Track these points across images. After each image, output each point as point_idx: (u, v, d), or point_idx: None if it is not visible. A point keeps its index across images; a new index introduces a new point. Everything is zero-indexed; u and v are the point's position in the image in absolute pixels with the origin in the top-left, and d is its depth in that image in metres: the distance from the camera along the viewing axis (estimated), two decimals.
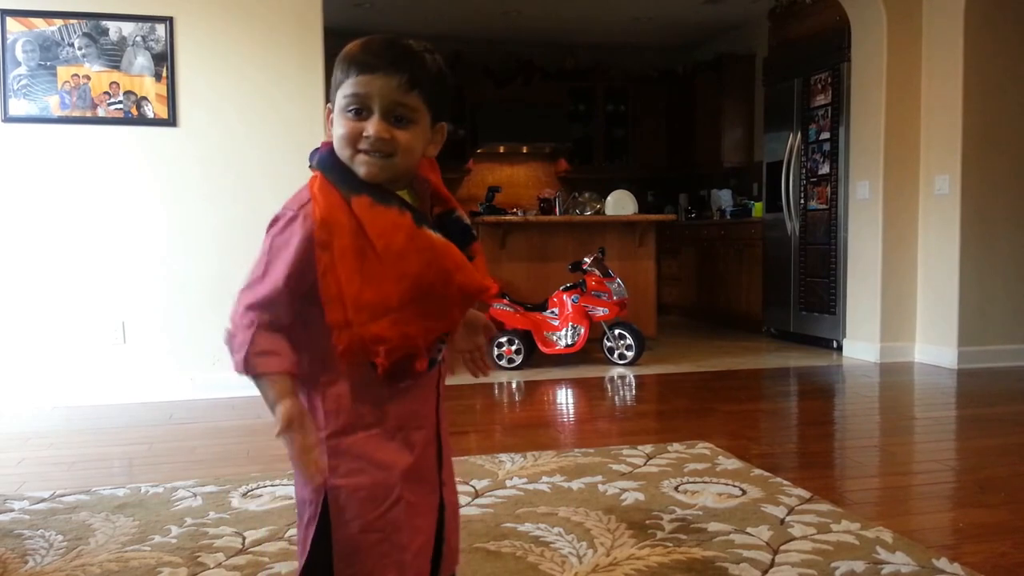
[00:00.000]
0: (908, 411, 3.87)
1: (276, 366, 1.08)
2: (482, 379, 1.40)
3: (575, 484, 2.57)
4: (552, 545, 2.07)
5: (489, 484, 2.58)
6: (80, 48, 3.99)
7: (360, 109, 1.10)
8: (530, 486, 2.56)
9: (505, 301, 4.94)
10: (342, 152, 1.12)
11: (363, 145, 1.10)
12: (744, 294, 6.68)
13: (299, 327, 1.11)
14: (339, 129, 1.11)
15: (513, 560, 1.97)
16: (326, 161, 1.13)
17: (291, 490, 2.23)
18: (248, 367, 1.08)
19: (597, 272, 4.95)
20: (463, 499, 2.40)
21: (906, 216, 5.04)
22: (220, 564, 1.98)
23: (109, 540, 2.16)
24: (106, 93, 4.03)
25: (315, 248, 1.07)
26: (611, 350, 5.00)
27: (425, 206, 1.19)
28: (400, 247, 1.08)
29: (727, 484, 2.55)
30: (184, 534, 2.19)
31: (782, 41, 6.15)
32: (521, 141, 8.08)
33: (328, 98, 1.16)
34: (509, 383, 4.51)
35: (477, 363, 1.35)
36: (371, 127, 1.09)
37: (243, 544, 2.11)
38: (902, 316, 5.06)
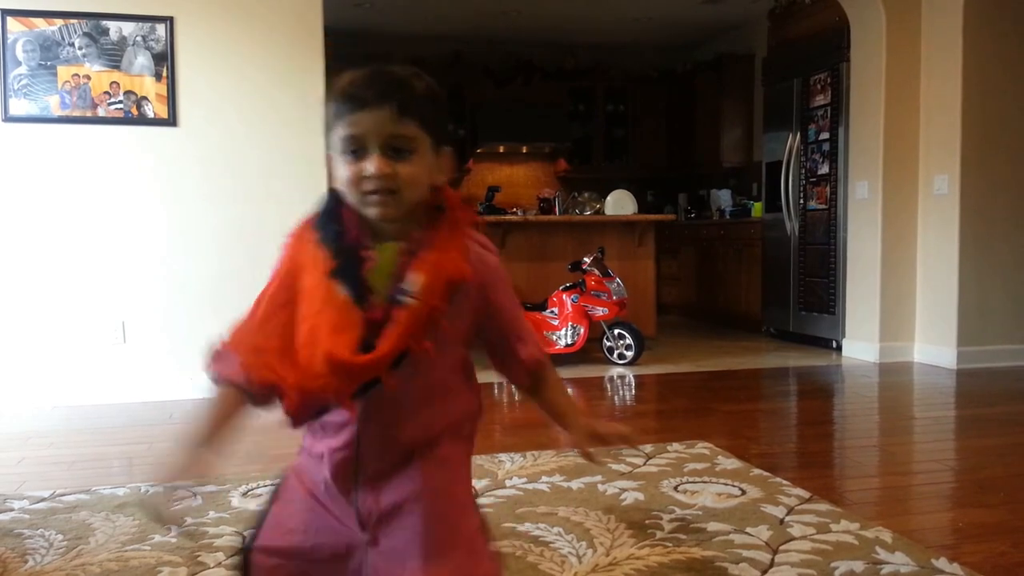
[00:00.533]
0: (907, 411, 3.88)
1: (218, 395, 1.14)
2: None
3: (575, 484, 2.57)
4: (552, 545, 2.07)
5: (489, 484, 2.58)
6: (80, 48, 4.00)
7: (357, 149, 1.07)
8: (530, 486, 2.56)
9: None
10: (350, 196, 1.09)
11: (367, 186, 1.06)
12: (743, 294, 6.68)
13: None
14: (342, 173, 1.08)
15: (513, 560, 1.97)
16: (321, 202, 1.13)
17: None
18: (215, 371, 1.15)
19: (597, 272, 4.95)
20: None
21: (905, 216, 5.04)
22: (220, 564, 1.99)
23: (109, 539, 2.16)
24: (106, 93, 4.03)
25: (293, 287, 1.11)
26: (611, 350, 5.01)
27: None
28: (307, 288, 1.07)
29: (726, 484, 2.55)
30: (184, 534, 2.19)
31: (781, 41, 6.16)
32: (521, 141, 8.08)
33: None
34: (508, 383, 4.50)
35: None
36: (370, 165, 1.05)
37: (243, 544, 2.11)
38: (901, 316, 5.06)
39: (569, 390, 4.28)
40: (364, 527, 1.12)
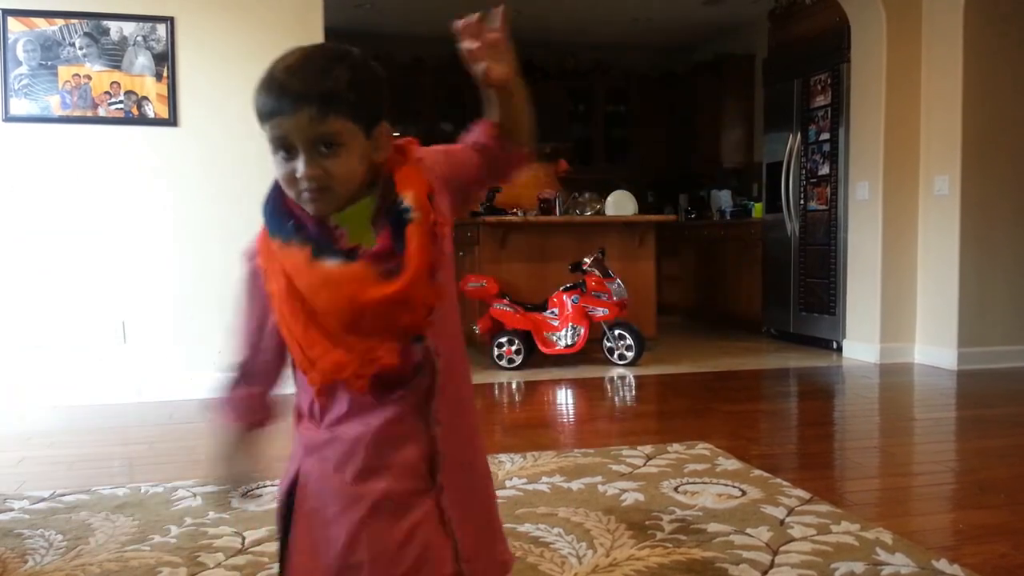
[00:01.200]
0: (908, 412, 3.87)
1: (232, 422, 1.22)
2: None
3: (575, 484, 2.57)
4: (552, 545, 2.07)
5: None
6: (81, 48, 4.00)
7: (286, 149, 1.06)
8: (530, 486, 2.56)
9: (505, 301, 4.94)
10: (289, 193, 1.08)
11: (300, 187, 1.05)
12: (744, 295, 6.68)
13: None
14: (277, 170, 1.08)
15: None
16: (265, 200, 1.12)
17: None
18: (220, 402, 1.22)
19: (597, 272, 4.95)
20: None
21: (906, 217, 5.04)
22: (220, 564, 1.99)
23: (109, 540, 2.16)
24: (107, 93, 4.03)
25: (265, 299, 1.10)
26: (611, 350, 5.00)
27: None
28: (305, 286, 1.06)
29: (727, 485, 2.55)
30: (184, 534, 2.19)
31: (782, 42, 6.15)
32: None
33: None
34: (509, 383, 4.51)
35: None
36: (300, 167, 1.04)
37: (243, 544, 2.11)
38: (902, 317, 5.06)
39: (569, 390, 4.28)
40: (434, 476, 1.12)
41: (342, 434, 1.10)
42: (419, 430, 1.11)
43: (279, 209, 1.11)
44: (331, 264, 1.05)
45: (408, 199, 1.07)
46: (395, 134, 1.15)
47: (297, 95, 1.03)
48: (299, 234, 1.08)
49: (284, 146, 1.05)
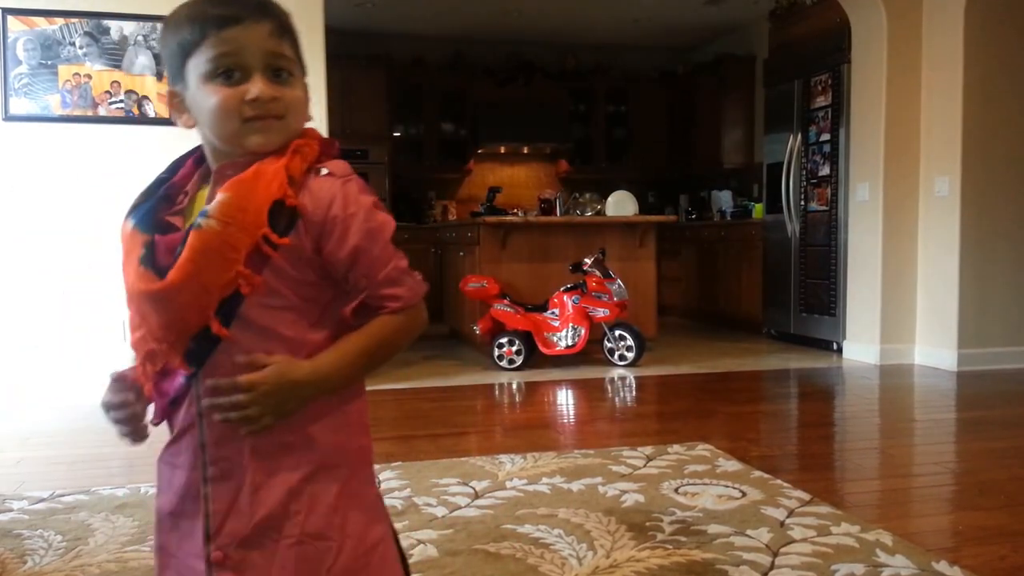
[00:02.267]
0: (908, 413, 3.87)
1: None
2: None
3: (575, 485, 2.57)
4: (552, 547, 2.06)
5: (489, 485, 2.58)
6: (81, 47, 3.99)
7: (232, 70, 0.92)
8: (530, 487, 2.56)
9: (506, 302, 4.94)
10: (224, 127, 0.94)
11: (249, 112, 0.92)
12: (744, 295, 6.68)
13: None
14: (211, 99, 0.92)
15: (513, 562, 1.97)
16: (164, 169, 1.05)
17: None
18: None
19: (597, 273, 4.95)
20: (462, 500, 2.40)
21: (906, 218, 5.04)
22: None
23: (108, 540, 2.16)
24: (107, 92, 4.03)
25: None
26: (611, 351, 5.00)
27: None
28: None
29: (727, 486, 2.55)
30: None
31: (782, 42, 6.15)
32: (522, 141, 8.08)
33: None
34: (509, 384, 4.50)
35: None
36: (255, 88, 0.91)
37: None
38: (902, 318, 5.06)
39: (569, 391, 4.28)
40: (211, 563, 0.94)
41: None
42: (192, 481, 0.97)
43: (158, 183, 1.03)
44: (140, 236, 0.99)
45: (216, 202, 0.91)
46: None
47: (259, 4, 0.93)
48: (149, 198, 1.02)
49: (230, 66, 0.92)
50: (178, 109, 1.00)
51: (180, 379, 0.96)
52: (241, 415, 0.91)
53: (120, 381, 1.07)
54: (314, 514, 0.95)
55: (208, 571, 0.95)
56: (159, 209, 0.99)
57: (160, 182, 1.03)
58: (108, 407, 1.05)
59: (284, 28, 0.95)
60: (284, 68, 0.95)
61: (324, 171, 0.95)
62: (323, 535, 0.95)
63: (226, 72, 0.93)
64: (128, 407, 1.03)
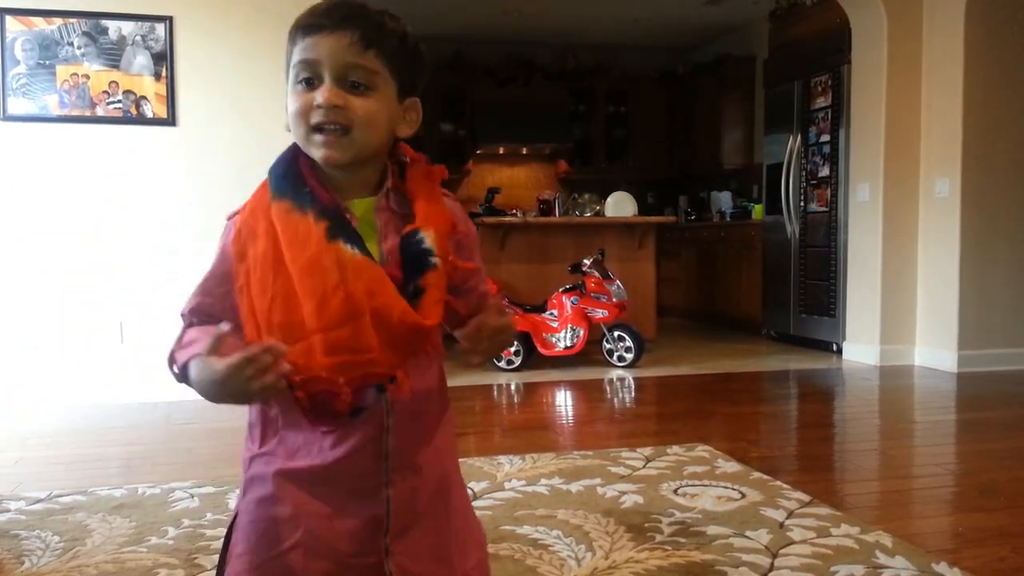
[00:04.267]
0: (908, 414, 3.87)
1: (199, 349, 0.94)
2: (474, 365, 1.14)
3: (574, 486, 2.56)
4: (551, 548, 2.06)
5: (488, 486, 2.57)
6: (79, 47, 3.99)
7: (311, 78, 0.95)
8: (529, 488, 2.55)
9: (505, 302, 4.93)
10: (296, 132, 0.97)
11: (315, 119, 0.94)
12: (744, 296, 6.67)
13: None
14: (291, 105, 0.97)
15: (511, 563, 1.96)
16: (277, 160, 1.02)
17: None
18: (172, 361, 0.97)
19: (596, 274, 4.95)
20: None
21: (906, 219, 5.03)
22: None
23: (106, 541, 2.15)
24: (105, 92, 4.02)
25: (233, 262, 0.97)
26: (610, 352, 5.00)
27: (394, 220, 1.01)
28: (305, 262, 0.93)
29: (726, 487, 2.54)
30: (181, 535, 2.18)
31: (782, 43, 6.15)
32: (521, 142, 8.08)
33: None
34: (508, 385, 4.50)
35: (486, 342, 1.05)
36: (320, 95, 0.94)
37: None
38: (902, 319, 5.05)
39: (568, 392, 4.28)
40: (386, 532, 1.00)
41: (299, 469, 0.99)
42: (369, 482, 1.00)
43: (293, 170, 0.99)
44: (351, 251, 0.93)
45: (428, 239, 0.97)
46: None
47: (345, 17, 0.95)
48: (315, 205, 0.96)
49: (308, 74, 0.95)
50: (286, 111, 1.01)
51: (371, 393, 0.97)
52: (491, 351, 1.06)
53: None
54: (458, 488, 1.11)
55: (384, 558, 1.00)
56: (351, 235, 0.96)
57: (307, 192, 0.98)
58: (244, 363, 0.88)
59: (371, 40, 0.95)
60: (362, 81, 0.95)
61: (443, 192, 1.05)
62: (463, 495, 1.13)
63: (306, 80, 0.96)
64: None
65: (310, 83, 0.95)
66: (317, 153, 0.96)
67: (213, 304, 1.00)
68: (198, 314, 1.02)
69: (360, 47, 0.94)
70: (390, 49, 0.97)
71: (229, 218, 1.02)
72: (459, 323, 1.03)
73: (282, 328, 0.93)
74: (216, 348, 0.89)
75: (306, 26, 0.95)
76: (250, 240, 0.96)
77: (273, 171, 1.01)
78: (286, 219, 0.95)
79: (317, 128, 0.95)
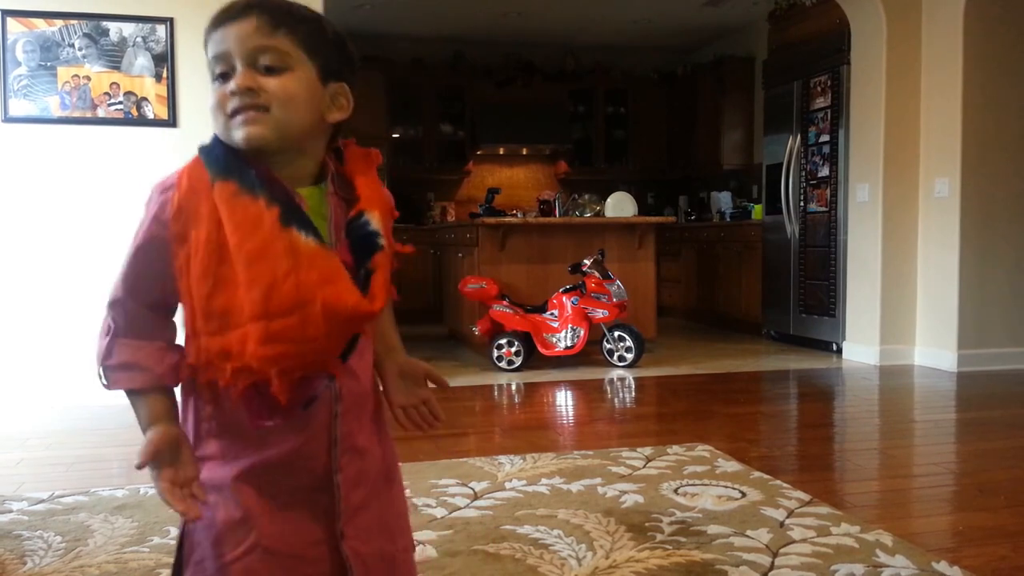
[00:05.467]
0: (908, 414, 3.87)
1: (137, 383, 0.96)
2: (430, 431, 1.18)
3: (574, 486, 2.57)
4: (551, 547, 2.06)
5: (488, 486, 2.58)
6: (80, 49, 3.99)
7: (225, 72, 0.94)
8: (529, 488, 2.55)
9: (505, 303, 4.94)
10: (217, 125, 0.95)
11: (231, 105, 0.93)
12: (744, 296, 6.68)
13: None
14: (211, 102, 0.96)
15: (512, 562, 1.97)
16: (207, 143, 0.98)
17: None
18: (106, 380, 0.98)
19: (597, 274, 4.95)
20: (461, 501, 2.40)
21: (906, 219, 5.04)
22: None
23: (108, 541, 2.15)
24: (106, 94, 4.03)
25: (170, 242, 0.93)
26: (610, 352, 5.00)
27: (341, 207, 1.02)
28: (254, 247, 0.90)
29: (727, 487, 2.55)
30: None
31: (782, 43, 6.16)
32: (521, 143, 8.08)
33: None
34: (508, 385, 4.50)
35: (421, 418, 1.15)
36: (233, 81, 0.93)
37: None
38: (902, 319, 5.06)
39: (568, 392, 4.28)
40: (338, 517, 1.02)
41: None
42: (317, 472, 1.02)
43: (232, 152, 0.96)
44: (305, 238, 0.91)
45: (374, 221, 0.99)
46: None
47: (246, 4, 0.94)
48: (266, 188, 0.93)
49: (223, 67, 0.94)
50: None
51: (321, 382, 0.99)
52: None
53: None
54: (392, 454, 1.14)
55: (339, 543, 1.03)
56: (300, 214, 0.94)
57: (249, 171, 0.96)
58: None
59: (278, 21, 0.94)
60: (276, 64, 0.94)
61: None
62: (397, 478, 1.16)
63: (222, 74, 0.95)
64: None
65: (225, 76, 0.95)
66: (239, 134, 0.93)
67: (152, 287, 0.96)
68: (135, 300, 0.97)
69: (268, 30, 0.93)
70: (302, 32, 0.96)
71: (163, 191, 0.97)
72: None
73: (220, 315, 0.92)
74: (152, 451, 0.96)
75: (213, 20, 0.95)
76: (192, 222, 0.92)
77: (208, 152, 0.97)
78: (233, 202, 0.91)
79: (234, 113, 0.94)
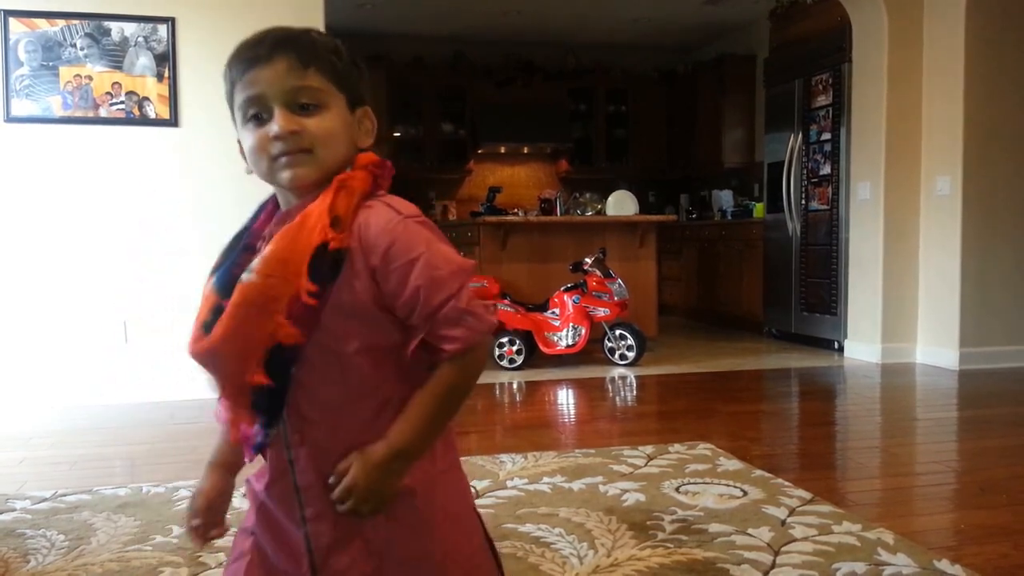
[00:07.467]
0: (909, 412, 3.87)
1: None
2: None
3: (576, 485, 2.57)
4: (553, 546, 2.07)
5: (490, 484, 2.58)
6: (82, 48, 4.00)
7: (259, 113, 0.94)
8: (531, 487, 2.56)
9: (506, 301, 4.94)
10: (259, 169, 0.96)
11: (275, 150, 0.93)
12: (745, 295, 6.68)
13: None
14: (247, 144, 0.96)
15: (514, 561, 1.97)
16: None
17: None
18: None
19: (598, 272, 4.95)
20: None
21: (907, 217, 5.04)
22: (221, 564, 1.98)
23: (111, 540, 2.16)
24: (108, 93, 4.03)
25: None
26: (612, 350, 5.00)
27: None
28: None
29: (728, 485, 2.55)
30: (186, 534, 2.19)
31: (783, 42, 6.15)
32: (522, 141, 8.08)
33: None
34: (510, 383, 4.51)
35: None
36: (275, 125, 0.92)
37: None
38: (903, 317, 5.06)
39: (570, 390, 4.28)
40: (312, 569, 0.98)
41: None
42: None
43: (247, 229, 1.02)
44: (209, 289, 0.97)
45: (263, 253, 0.92)
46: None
47: (276, 42, 0.94)
48: (235, 243, 1.01)
49: (257, 108, 0.94)
50: (241, 155, 1.00)
51: (256, 428, 0.95)
52: (357, 516, 0.95)
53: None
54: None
55: None
56: (239, 264, 0.96)
57: (243, 231, 1.03)
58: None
59: (307, 59, 0.94)
60: (311, 102, 0.94)
61: (382, 204, 0.94)
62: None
63: (255, 116, 0.95)
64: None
65: (259, 119, 0.95)
66: (285, 175, 0.94)
67: None
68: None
69: (300, 69, 0.94)
70: (329, 64, 0.96)
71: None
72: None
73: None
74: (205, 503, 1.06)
75: (240, 62, 0.95)
76: None
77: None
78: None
79: (278, 156, 0.94)
